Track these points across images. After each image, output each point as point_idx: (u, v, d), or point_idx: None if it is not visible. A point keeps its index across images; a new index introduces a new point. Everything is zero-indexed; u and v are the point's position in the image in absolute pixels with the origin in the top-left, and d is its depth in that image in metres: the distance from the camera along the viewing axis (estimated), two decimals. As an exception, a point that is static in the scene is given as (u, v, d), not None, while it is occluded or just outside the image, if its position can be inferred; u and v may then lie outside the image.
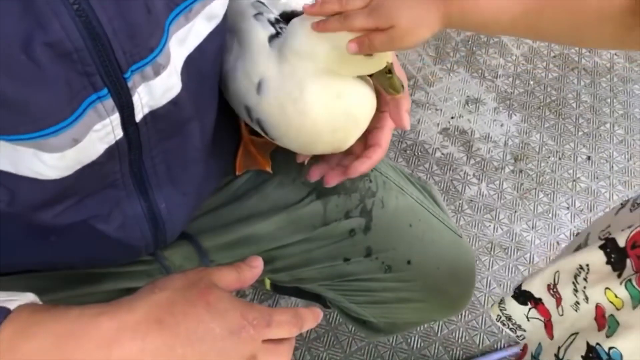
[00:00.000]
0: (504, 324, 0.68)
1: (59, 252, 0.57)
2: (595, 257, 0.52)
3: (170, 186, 0.58)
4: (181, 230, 0.64)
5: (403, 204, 0.76)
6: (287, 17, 0.63)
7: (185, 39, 0.52)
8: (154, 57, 0.47)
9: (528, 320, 0.64)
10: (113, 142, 0.49)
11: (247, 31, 0.61)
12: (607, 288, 0.50)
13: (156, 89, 0.49)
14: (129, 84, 0.47)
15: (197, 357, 0.45)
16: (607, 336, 0.50)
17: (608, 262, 0.51)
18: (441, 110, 1.56)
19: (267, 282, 1.12)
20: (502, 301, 0.66)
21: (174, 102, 0.52)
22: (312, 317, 0.52)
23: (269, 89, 0.59)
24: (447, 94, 1.59)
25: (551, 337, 0.61)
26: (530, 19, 0.50)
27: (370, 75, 0.59)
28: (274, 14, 0.63)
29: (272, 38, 0.60)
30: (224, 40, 0.59)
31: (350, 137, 0.63)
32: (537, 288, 0.61)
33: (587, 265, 0.53)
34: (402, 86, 0.58)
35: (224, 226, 0.72)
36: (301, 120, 0.59)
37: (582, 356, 0.53)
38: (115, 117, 0.47)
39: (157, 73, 0.48)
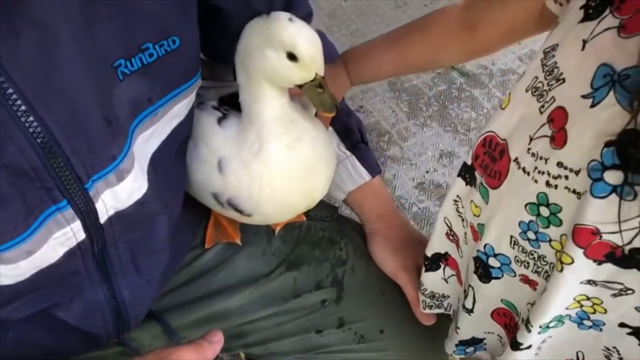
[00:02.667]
0: (431, 307, 0.71)
1: (15, 347, 0.55)
2: (459, 186, 0.59)
3: (134, 274, 0.57)
4: (144, 315, 0.63)
5: (374, 271, 0.76)
6: (226, 100, 0.64)
7: (150, 138, 0.52)
8: (116, 165, 0.48)
9: (447, 282, 0.68)
10: (74, 244, 0.48)
11: (196, 123, 0.62)
12: (471, 201, 0.57)
13: (121, 193, 0.49)
14: (91, 193, 0.47)
15: None
16: (480, 240, 0.56)
17: (467, 184, 0.59)
18: (416, 164, 1.57)
19: (242, 355, 1.09)
20: (420, 285, 0.70)
21: (140, 202, 0.52)
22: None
23: (231, 160, 0.59)
24: (422, 149, 1.61)
25: (461, 284, 0.65)
26: (400, 71, 0.75)
27: (301, 87, 0.57)
28: (215, 101, 0.64)
29: (221, 119, 0.61)
30: (187, 133, 0.60)
31: (321, 179, 0.63)
32: (438, 243, 0.65)
33: (458, 195, 0.60)
34: (336, 106, 0.57)
35: (193, 303, 0.71)
36: (269, 173, 0.59)
37: (473, 272, 0.58)
38: (76, 224, 0.47)
39: (120, 179, 0.49)
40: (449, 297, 0.69)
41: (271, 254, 0.74)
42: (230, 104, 0.63)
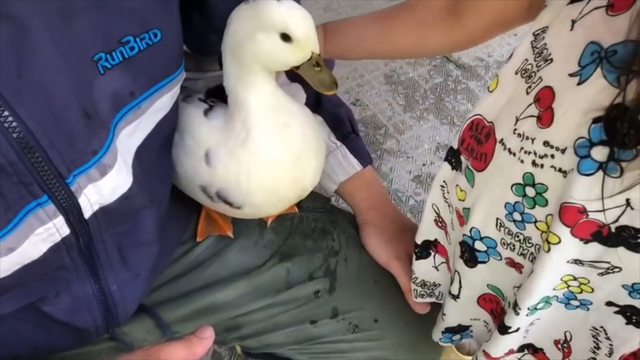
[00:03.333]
0: (422, 296, 0.71)
1: (3, 344, 0.55)
2: (445, 171, 0.59)
3: (122, 268, 0.57)
4: (133, 310, 0.63)
5: (367, 260, 0.76)
6: (213, 92, 0.64)
7: (134, 132, 0.52)
8: (97, 159, 0.47)
9: (437, 269, 0.67)
10: (58, 240, 0.48)
11: (181, 115, 0.61)
12: (457, 185, 0.57)
13: (104, 188, 0.49)
14: (73, 188, 0.47)
15: None
16: (466, 224, 0.56)
17: (453, 168, 0.58)
18: (413, 157, 1.57)
19: (238, 348, 1.09)
20: (412, 273, 0.69)
21: (125, 197, 0.52)
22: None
23: (218, 150, 0.59)
24: (418, 142, 1.60)
25: (450, 271, 0.65)
26: (380, 49, 0.71)
27: (297, 68, 0.56)
28: (201, 93, 0.64)
29: (207, 111, 0.60)
30: (172, 127, 0.60)
31: (310, 166, 0.62)
32: (427, 230, 0.65)
33: (444, 181, 0.60)
34: (335, 83, 0.55)
35: (184, 296, 0.71)
36: (257, 161, 0.58)
37: (459, 257, 0.58)
38: (59, 220, 0.47)
39: (103, 173, 0.48)
40: (439, 285, 0.69)
41: (263, 246, 0.73)
42: (218, 96, 0.63)
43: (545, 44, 0.47)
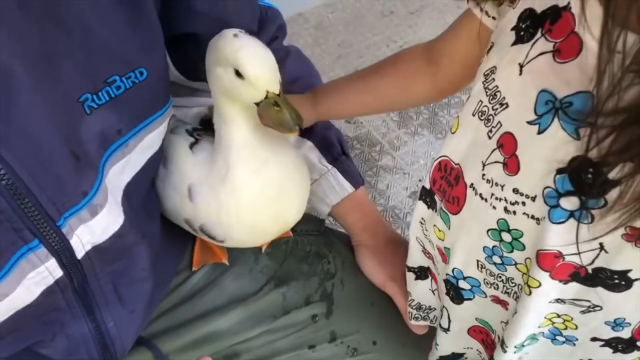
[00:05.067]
0: (417, 319, 0.71)
1: None
2: (421, 209, 0.59)
3: (118, 305, 0.57)
4: (130, 345, 0.63)
5: (363, 282, 0.76)
6: (208, 121, 0.64)
7: (123, 169, 0.53)
8: (88, 200, 0.48)
9: (434, 294, 0.67)
10: (52, 282, 0.48)
11: (168, 148, 0.62)
12: (434, 225, 0.57)
13: (96, 228, 0.49)
14: (64, 230, 0.47)
15: None
16: (448, 263, 0.56)
17: (428, 207, 0.58)
18: (409, 173, 1.57)
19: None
20: (408, 295, 0.69)
21: (117, 235, 0.52)
22: None
23: (200, 186, 0.59)
24: (414, 157, 1.61)
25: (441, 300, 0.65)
26: (369, 105, 0.71)
27: (258, 105, 0.53)
28: (191, 125, 0.64)
29: (193, 145, 0.61)
30: (159, 165, 0.61)
31: (293, 203, 0.62)
32: (418, 258, 0.65)
33: (422, 218, 0.60)
34: (298, 125, 0.52)
35: (182, 326, 0.70)
36: (235, 198, 0.57)
37: (445, 294, 0.59)
38: (51, 263, 0.47)
39: (94, 213, 0.49)
40: (434, 309, 0.69)
41: (259, 272, 0.73)
42: (210, 127, 0.63)
43: (497, 87, 0.47)
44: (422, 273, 0.67)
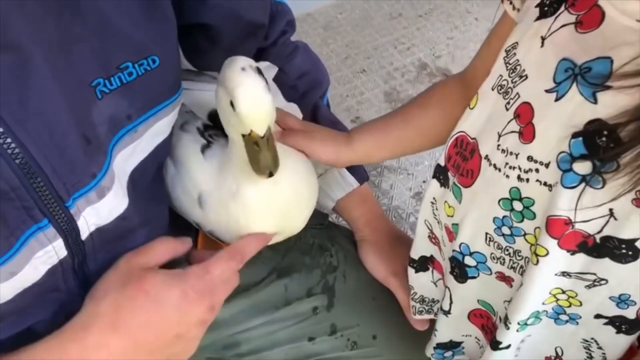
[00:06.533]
0: (421, 312, 0.71)
1: None
2: (434, 187, 0.60)
3: None
4: None
5: (365, 277, 0.76)
6: (216, 115, 0.64)
7: (131, 155, 0.53)
8: (96, 182, 0.48)
9: (436, 285, 0.67)
10: (56, 262, 0.49)
11: (179, 147, 0.62)
12: (445, 202, 0.57)
13: (102, 210, 0.50)
14: (72, 211, 0.47)
15: (160, 341, 0.51)
16: (455, 240, 0.56)
17: (441, 185, 0.59)
18: (413, 174, 1.57)
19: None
20: (410, 289, 0.70)
21: (122, 218, 0.53)
22: (254, 242, 0.58)
23: (210, 197, 0.60)
24: (418, 158, 1.61)
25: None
26: (395, 154, 0.72)
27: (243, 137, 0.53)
28: (201, 119, 0.64)
29: (204, 148, 0.61)
30: (167, 152, 0.61)
31: (300, 217, 0.63)
32: (422, 246, 0.65)
33: (434, 197, 0.60)
34: (273, 170, 0.53)
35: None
36: (245, 215, 0.59)
37: (449, 272, 0.59)
38: (58, 242, 0.48)
39: (101, 195, 0.49)
40: (438, 301, 0.69)
41: (261, 263, 0.74)
42: (220, 124, 0.63)
43: (518, 60, 0.49)
44: (422, 265, 0.67)
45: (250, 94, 0.51)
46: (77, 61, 0.46)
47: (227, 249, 0.57)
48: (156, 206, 0.60)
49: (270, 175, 0.53)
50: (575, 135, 0.43)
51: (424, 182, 1.56)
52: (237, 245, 0.58)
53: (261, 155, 0.52)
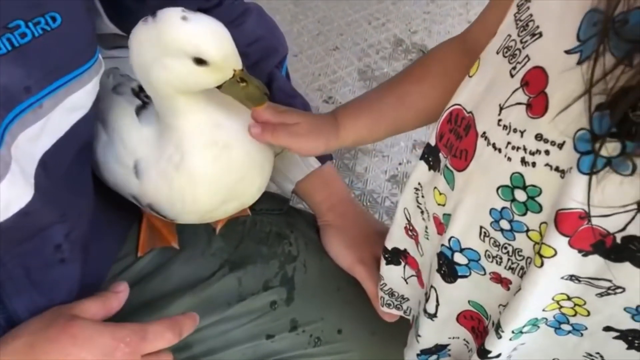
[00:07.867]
0: (389, 306, 0.65)
1: None
2: (420, 171, 0.52)
3: (33, 292, 0.50)
4: None
5: (329, 266, 0.69)
6: None
7: (38, 136, 0.45)
8: None
9: (407, 282, 0.61)
10: None
11: (110, 111, 0.55)
12: (435, 188, 0.50)
13: None
14: None
15: None
16: (445, 232, 0.49)
17: (430, 168, 0.51)
18: (388, 156, 1.51)
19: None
20: (380, 279, 0.63)
21: (24, 213, 0.44)
22: (189, 322, 0.55)
23: (149, 167, 0.53)
24: (394, 140, 1.53)
25: (422, 286, 0.58)
26: (389, 135, 0.65)
27: (220, 87, 0.49)
28: (137, 81, 0.57)
29: (140, 109, 0.54)
30: (92, 132, 0.53)
31: (254, 185, 0.57)
32: (398, 237, 0.58)
33: (419, 182, 0.53)
34: (266, 94, 0.50)
35: (127, 316, 0.63)
36: (192, 186, 0.53)
37: (436, 270, 0.51)
38: None
39: None
40: (408, 299, 0.62)
41: (211, 255, 0.67)
42: None
43: (531, 15, 0.40)
44: (394, 258, 0.60)
45: (216, 36, 0.45)
46: None
47: (168, 319, 0.54)
48: (77, 199, 0.52)
49: (267, 97, 0.50)
50: (599, 107, 0.34)
51: (399, 164, 1.49)
52: (179, 319, 0.55)
53: (252, 86, 0.48)
